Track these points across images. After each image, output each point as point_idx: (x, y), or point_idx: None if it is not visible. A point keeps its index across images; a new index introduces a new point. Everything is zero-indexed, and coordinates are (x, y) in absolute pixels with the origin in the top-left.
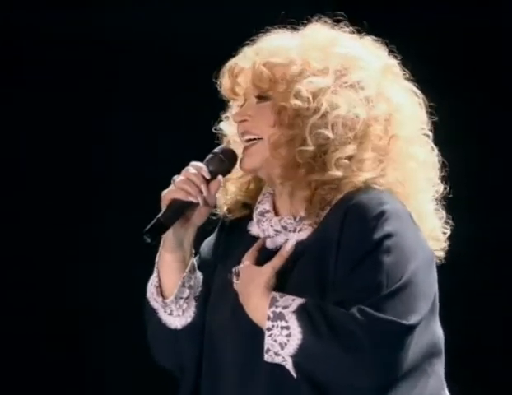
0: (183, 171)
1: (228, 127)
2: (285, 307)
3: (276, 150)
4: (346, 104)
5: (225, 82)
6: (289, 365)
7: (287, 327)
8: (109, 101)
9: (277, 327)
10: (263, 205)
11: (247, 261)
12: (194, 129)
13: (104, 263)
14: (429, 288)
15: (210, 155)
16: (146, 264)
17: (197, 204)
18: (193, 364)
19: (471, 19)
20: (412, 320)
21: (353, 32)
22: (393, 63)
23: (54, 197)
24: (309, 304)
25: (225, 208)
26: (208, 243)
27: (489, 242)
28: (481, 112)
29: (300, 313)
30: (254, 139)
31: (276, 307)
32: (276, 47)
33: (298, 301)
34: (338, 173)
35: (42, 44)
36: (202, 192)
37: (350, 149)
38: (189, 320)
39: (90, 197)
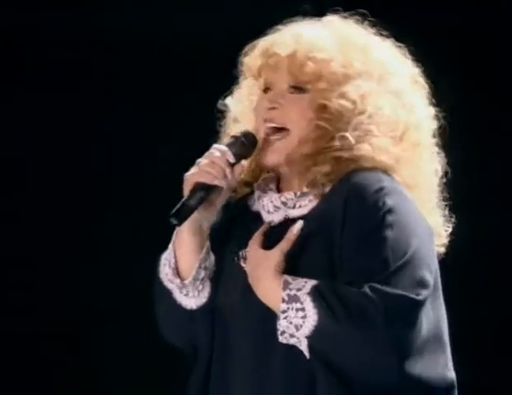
0: (207, 154)
1: (235, 105)
2: (298, 289)
3: (304, 144)
4: (389, 108)
5: (253, 60)
6: (303, 346)
7: (302, 309)
8: (109, 101)
9: (292, 309)
10: (267, 182)
11: (253, 244)
12: (194, 129)
13: (104, 263)
14: (432, 262)
15: (232, 139)
16: (145, 264)
17: (221, 188)
18: (208, 343)
19: (469, 19)
20: (422, 295)
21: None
22: (417, 72)
23: (54, 197)
24: (322, 286)
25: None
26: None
27: (486, 241)
28: (480, 112)
29: (315, 294)
30: (278, 129)
31: (290, 289)
32: (316, 39)
33: (311, 283)
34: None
35: (42, 44)
36: (226, 176)
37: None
38: (204, 300)
39: (90, 196)
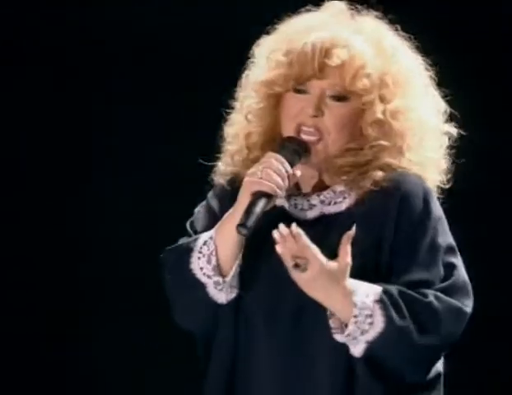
0: (267, 163)
1: (259, 72)
2: (367, 295)
3: (338, 149)
4: (424, 117)
5: (290, 59)
6: (358, 348)
7: (371, 316)
8: (110, 100)
9: (362, 315)
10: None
11: (316, 258)
12: (193, 129)
13: (105, 263)
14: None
15: (284, 147)
16: (146, 264)
17: (276, 196)
18: (231, 339)
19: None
20: (469, 307)
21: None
22: (430, 74)
23: (54, 197)
24: (389, 293)
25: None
26: (214, 208)
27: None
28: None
29: (384, 302)
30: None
31: (360, 295)
32: (365, 50)
33: (378, 290)
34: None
35: (42, 44)
36: (284, 187)
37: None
38: (233, 296)
39: (90, 197)
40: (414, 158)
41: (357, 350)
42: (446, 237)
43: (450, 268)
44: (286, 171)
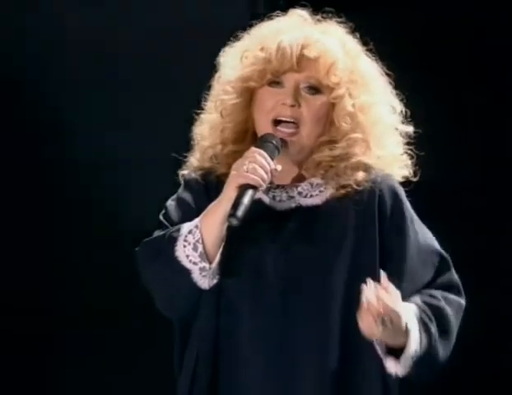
0: (251, 158)
1: (231, 72)
2: (413, 322)
3: (313, 140)
4: (388, 114)
5: (263, 55)
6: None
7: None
8: (115, 100)
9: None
10: None
11: (399, 315)
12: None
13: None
14: None
15: (265, 143)
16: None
17: (261, 188)
18: (214, 317)
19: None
20: (464, 301)
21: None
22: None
23: (26, 199)
24: (420, 310)
25: (221, 170)
26: (188, 201)
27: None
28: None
29: (419, 322)
30: (289, 122)
31: (413, 331)
32: (337, 47)
33: (414, 309)
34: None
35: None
36: (267, 180)
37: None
38: (215, 281)
39: (66, 200)
40: (380, 152)
41: (399, 369)
42: (428, 233)
43: (443, 264)
44: (269, 165)
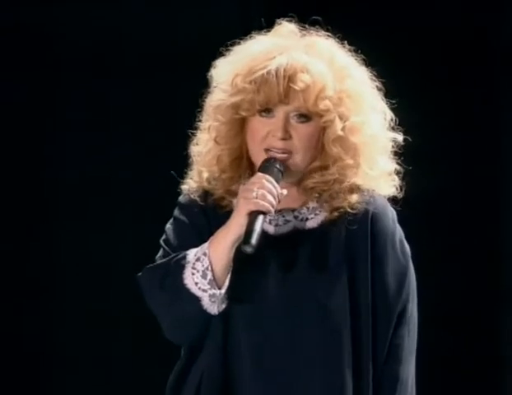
0: (260, 184)
1: (222, 96)
2: None
3: (307, 165)
4: (382, 133)
5: (251, 84)
6: None
7: None
8: (109, 99)
9: None
10: None
11: None
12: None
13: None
14: None
15: (270, 168)
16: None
17: (270, 214)
18: (221, 348)
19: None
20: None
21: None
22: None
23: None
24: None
25: (219, 192)
26: (186, 226)
27: None
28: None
29: None
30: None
31: None
32: (325, 74)
33: None
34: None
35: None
36: (275, 205)
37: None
38: (224, 306)
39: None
40: (371, 171)
41: None
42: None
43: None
44: (276, 190)
